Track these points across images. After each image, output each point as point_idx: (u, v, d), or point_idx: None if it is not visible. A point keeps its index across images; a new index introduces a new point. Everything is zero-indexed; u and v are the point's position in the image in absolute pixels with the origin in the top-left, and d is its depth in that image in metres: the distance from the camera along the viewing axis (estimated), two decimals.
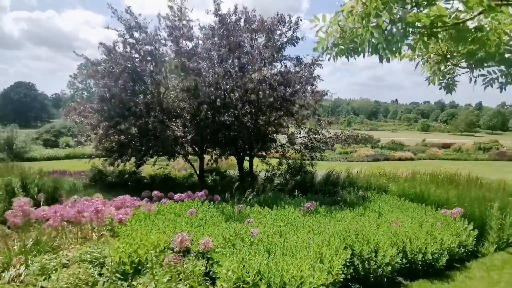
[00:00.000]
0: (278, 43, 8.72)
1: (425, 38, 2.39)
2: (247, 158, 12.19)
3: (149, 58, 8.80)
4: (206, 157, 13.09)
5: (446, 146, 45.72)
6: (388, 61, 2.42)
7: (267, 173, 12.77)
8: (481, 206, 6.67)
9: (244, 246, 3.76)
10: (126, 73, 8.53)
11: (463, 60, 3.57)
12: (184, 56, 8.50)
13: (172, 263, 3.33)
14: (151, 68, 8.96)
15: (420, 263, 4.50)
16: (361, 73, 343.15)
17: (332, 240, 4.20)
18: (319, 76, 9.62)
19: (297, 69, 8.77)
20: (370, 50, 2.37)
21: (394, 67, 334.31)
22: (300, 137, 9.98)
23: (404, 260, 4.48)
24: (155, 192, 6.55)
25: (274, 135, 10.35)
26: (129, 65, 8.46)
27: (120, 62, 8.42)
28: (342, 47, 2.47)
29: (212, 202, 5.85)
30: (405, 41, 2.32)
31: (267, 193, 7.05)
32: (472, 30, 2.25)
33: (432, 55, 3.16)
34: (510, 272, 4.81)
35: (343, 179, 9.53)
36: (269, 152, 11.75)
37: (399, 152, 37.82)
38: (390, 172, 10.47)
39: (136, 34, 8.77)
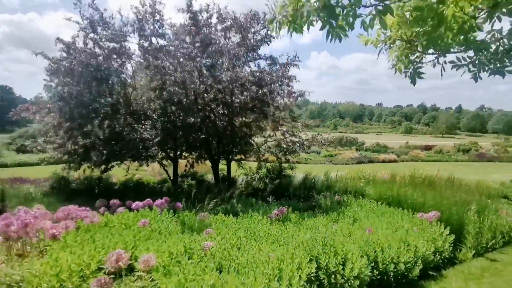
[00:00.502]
0: (252, 41, 8.33)
1: (382, 15, 2.02)
2: (225, 162, 11.71)
3: (114, 56, 8.21)
4: (182, 162, 12.54)
5: (428, 148, 46.62)
6: (340, 39, 2.03)
7: (246, 177, 12.34)
8: (459, 209, 6.43)
9: (191, 262, 3.27)
10: (87, 71, 7.91)
11: (429, 49, 3.24)
12: (152, 54, 7.98)
13: None
14: (117, 67, 8.37)
15: (392, 274, 4.12)
16: (347, 77, 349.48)
17: (296, 252, 3.76)
18: (295, 76, 9.29)
19: (272, 69, 8.40)
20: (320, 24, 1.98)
21: (378, 71, 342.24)
22: (276, 140, 9.59)
23: (375, 271, 4.10)
24: (113, 201, 5.95)
25: (251, 138, 9.91)
26: (91, 63, 7.84)
27: (81, 59, 7.79)
28: (290, 18, 2.06)
29: (172, 211, 5.33)
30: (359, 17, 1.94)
31: (235, 199, 6.57)
32: (432, 3, 1.88)
33: (396, 41, 2.81)
34: (490, 281, 4.51)
35: (321, 182, 9.18)
36: (247, 155, 11.31)
37: (383, 154, 38.17)
38: (370, 175, 10.21)
39: (100, 30, 8.17)
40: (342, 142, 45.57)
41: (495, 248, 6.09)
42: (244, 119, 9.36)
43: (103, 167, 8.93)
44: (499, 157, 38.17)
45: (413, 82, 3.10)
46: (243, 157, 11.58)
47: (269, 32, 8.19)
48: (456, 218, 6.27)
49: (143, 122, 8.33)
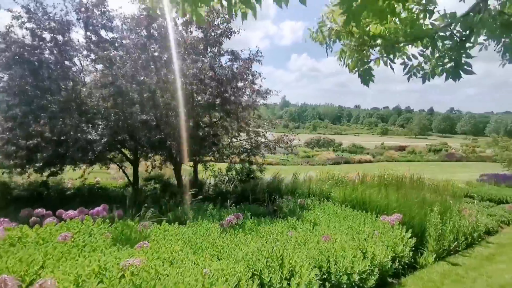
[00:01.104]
0: (213, 34, 7.82)
1: None
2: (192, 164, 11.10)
3: (57, 48, 7.41)
4: (145, 163, 11.78)
5: (402, 148, 48.04)
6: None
7: (215, 179, 11.79)
8: (421, 210, 6.25)
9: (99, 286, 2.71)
10: (27, 64, 7.08)
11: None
12: (100, 47, 7.26)
13: None
14: (61, 60, 7.56)
15: (345, 286, 3.75)
16: (326, 79, 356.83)
17: (236, 267, 3.29)
18: (260, 73, 8.87)
19: (233, 64, 7.92)
20: None
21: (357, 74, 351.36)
22: (240, 141, 9.11)
23: (327, 284, 3.72)
24: (37, 210, 5.20)
25: (217, 139, 9.36)
26: (30, 54, 7.01)
27: (19, 51, 6.95)
28: None
29: (109, 220, 4.70)
30: None
31: (186, 205, 6.01)
32: None
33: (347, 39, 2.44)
34: None
35: (289, 184, 8.80)
36: (215, 157, 10.75)
37: (359, 155, 38.86)
38: (339, 176, 9.98)
39: (38, 18, 7.33)
40: (319, 143, 46.00)
41: (457, 251, 5.94)
42: (209, 118, 8.82)
43: (49, 170, 8.08)
44: (467, 156, 39.95)
45: (365, 83, 2.73)
46: (212, 158, 11.03)
47: (229, 25, 7.74)
48: (418, 220, 6.07)
49: (94, 121, 7.58)
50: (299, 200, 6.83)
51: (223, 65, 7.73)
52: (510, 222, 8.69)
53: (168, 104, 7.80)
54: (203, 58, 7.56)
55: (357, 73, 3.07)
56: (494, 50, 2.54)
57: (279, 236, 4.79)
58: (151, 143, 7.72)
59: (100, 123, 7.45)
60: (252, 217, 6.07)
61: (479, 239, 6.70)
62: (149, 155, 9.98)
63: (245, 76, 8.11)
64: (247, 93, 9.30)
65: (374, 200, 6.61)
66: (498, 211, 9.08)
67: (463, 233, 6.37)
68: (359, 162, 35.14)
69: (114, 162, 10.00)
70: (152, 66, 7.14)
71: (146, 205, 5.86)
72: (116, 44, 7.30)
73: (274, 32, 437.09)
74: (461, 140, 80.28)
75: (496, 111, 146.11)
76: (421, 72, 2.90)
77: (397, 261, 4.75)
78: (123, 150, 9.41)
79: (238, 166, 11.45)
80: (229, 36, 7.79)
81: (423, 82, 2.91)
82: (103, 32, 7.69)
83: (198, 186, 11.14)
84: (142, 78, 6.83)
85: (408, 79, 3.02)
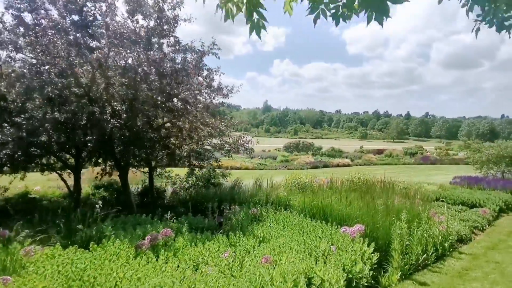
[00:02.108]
0: (158, 21, 6.83)
1: None
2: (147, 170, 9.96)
3: None
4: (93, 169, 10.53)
5: (380, 152, 48.65)
6: None
7: (173, 186, 10.71)
8: (387, 219, 5.51)
9: None
10: None
11: None
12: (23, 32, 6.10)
13: None
14: None
15: None
16: (308, 84, 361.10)
17: None
18: (218, 68, 7.97)
19: (177, 56, 6.94)
20: None
21: (337, 80, 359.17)
22: (191, 143, 8.12)
23: None
24: None
25: (168, 141, 8.29)
26: None
27: None
28: None
29: None
30: None
31: (108, 219, 4.90)
32: None
33: None
34: None
35: (247, 192, 7.88)
36: (170, 162, 9.67)
37: (338, 159, 38.74)
38: (307, 181, 9.18)
39: None
40: (299, 147, 45.63)
41: (426, 265, 5.22)
42: (156, 118, 7.75)
43: None
44: (441, 159, 40.81)
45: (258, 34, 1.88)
46: (176, 164, 9.95)
47: (175, 12, 6.80)
48: (383, 231, 5.32)
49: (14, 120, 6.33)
50: (252, 209, 5.91)
51: (164, 55, 6.72)
52: (484, 228, 8.19)
53: (101, 101, 6.71)
54: (145, 50, 6.54)
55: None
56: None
57: (210, 258, 3.83)
58: (84, 145, 6.58)
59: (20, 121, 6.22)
60: (192, 231, 5.09)
61: (451, 249, 6.04)
62: (93, 160, 8.78)
63: (195, 70, 7.16)
64: (205, 91, 8.37)
65: (336, 208, 5.80)
66: (471, 216, 8.57)
67: (433, 243, 5.69)
68: (338, 166, 34.94)
69: (51, 169, 8.70)
70: (75, 53, 6.05)
71: (59, 221, 4.73)
72: (38, 29, 6.14)
73: (256, 38, 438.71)
74: (435, 143, 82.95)
75: (468, 115, 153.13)
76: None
77: (354, 284, 3.92)
78: (66, 154, 8.18)
79: (198, 171, 10.46)
80: (175, 24, 6.83)
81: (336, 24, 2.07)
82: (28, 16, 6.51)
83: (154, 194, 10.02)
84: (68, 69, 5.72)
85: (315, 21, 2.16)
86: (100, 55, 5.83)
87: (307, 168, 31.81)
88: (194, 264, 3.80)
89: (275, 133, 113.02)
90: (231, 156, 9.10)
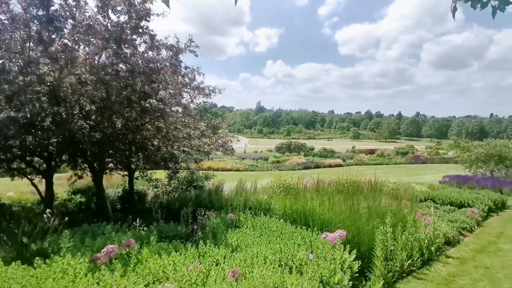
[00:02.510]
0: (129, 15, 6.42)
1: None
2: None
3: None
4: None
5: (371, 152, 48.79)
6: None
7: (154, 190, 10.28)
8: (371, 223, 5.21)
9: None
10: None
11: None
12: None
13: None
14: None
15: None
16: (301, 85, 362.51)
17: None
18: (198, 68, 7.59)
19: (148, 53, 6.53)
20: None
21: (330, 80, 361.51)
22: (168, 145, 7.70)
23: None
24: None
25: (146, 143, 7.86)
26: None
27: None
28: None
29: None
30: None
31: (63, 230, 4.45)
32: None
33: None
34: None
35: (230, 195, 7.51)
36: (149, 164, 9.24)
37: (329, 159, 38.61)
38: (291, 183, 8.85)
39: None
40: (291, 148, 45.43)
41: (411, 271, 4.94)
42: (139, 119, 7.33)
43: None
44: (431, 158, 41.10)
45: None
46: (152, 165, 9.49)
47: (147, 6, 6.41)
48: (367, 236, 5.02)
49: None
50: (229, 215, 5.54)
51: (139, 54, 6.31)
52: (473, 228, 7.99)
53: (77, 101, 6.26)
54: (116, 46, 6.11)
55: None
56: None
57: (173, 272, 3.46)
58: (46, 148, 6.12)
59: None
60: (162, 240, 4.71)
61: (438, 253, 5.78)
62: (65, 163, 8.29)
63: (171, 68, 6.76)
64: (186, 90, 7.99)
65: (318, 212, 5.48)
66: (460, 217, 8.37)
67: (419, 247, 5.42)
68: (330, 166, 34.85)
69: (22, 174, 8.18)
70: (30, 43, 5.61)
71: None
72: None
73: (249, 39, 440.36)
74: (426, 143, 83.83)
75: (458, 115, 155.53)
76: None
77: None
78: (38, 157, 7.67)
79: (181, 173, 10.06)
80: (148, 18, 6.43)
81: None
82: None
83: (134, 198, 9.58)
84: (29, 66, 5.27)
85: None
86: (60, 48, 5.39)
87: (299, 169, 31.61)
88: (155, 279, 3.42)
89: (268, 134, 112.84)
90: (211, 158, 8.72)
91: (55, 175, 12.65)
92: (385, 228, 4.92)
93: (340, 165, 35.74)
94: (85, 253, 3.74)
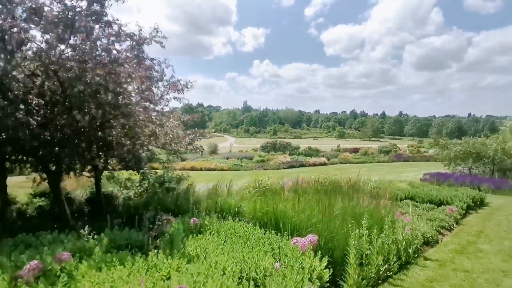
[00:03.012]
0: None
1: None
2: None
3: None
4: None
5: (355, 150, 49.26)
6: None
7: (122, 192, 9.61)
8: (344, 226, 4.83)
9: None
10: None
11: None
12: None
13: None
14: None
15: None
16: (288, 85, 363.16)
17: None
18: (166, 60, 7.04)
19: (105, 41, 5.91)
20: None
21: (316, 80, 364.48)
22: (129, 143, 7.08)
23: None
24: None
25: (110, 140, 7.20)
26: None
27: None
28: None
29: None
30: None
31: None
32: None
33: None
34: None
35: (199, 197, 6.99)
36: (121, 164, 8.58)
37: (314, 158, 38.58)
38: (268, 183, 8.41)
39: None
40: (276, 147, 45.17)
41: (388, 277, 4.59)
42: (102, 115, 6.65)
43: None
44: (413, 156, 41.87)
45: None
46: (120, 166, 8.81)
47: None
48: (341, 240, 4.63)
49: None
50: (192, 219, 5.03)
51: (95, 40, 5.69)
52: (452, 227, 7.81)
53: (25, 94, 5.56)
54: (69, 34, 5.46)
55: None
56: None
57: None
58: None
59: None
60: (113, 249, 4.14)
61: (416, 255, 5.49)
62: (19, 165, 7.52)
63: (136, 59, 6.17)
64: (156, 85, 7.42)
65: (289, 215, 5.06)
66: (438, 215, 8.19)
67: (397, 250, 5.10)
68: (314, 165, 34.80)
69: None
70: None
71: None
72: None
73: (236, 38, 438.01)
74: (409, 141, 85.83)
75: (438, 115, 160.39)
76: None
77: None
78: None
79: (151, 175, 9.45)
80: (104, 3, 5.80)
81: None
82: None
83: (101, 201, 8.88)
84: None
85: None
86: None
87: (284, 168, 31.33)
88: None
89: (254, 134, 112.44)
90: (180, 157, 8.16)
91: (18, 178, 11.73)
92: (361, 230, 4.55)
93: (324, 164, 35.78)
94: (7, 270, 3.14)
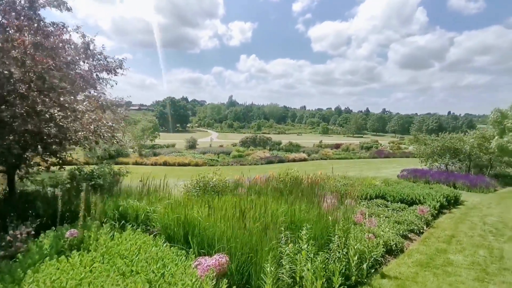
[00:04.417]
0: None
1: None
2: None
3: None
4: None
5: (337, 146, 48.90)
6: None
7: (44, 189, 8.11)
8: (271, 240, 3.64)
9: None
10: None
11: None
12: None
13: None
14: None
15: None
16: (274, 81, 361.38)
17: None
18: (78, 29, 5.61)
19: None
20: None
21: (303, 77, 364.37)
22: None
23: None
24: None
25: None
26: None
27: None
28: None
29: None
30: None
31: None
32: None
33: None
34: None
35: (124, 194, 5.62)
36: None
37: (294, 153, 37.71)
38: (213, 181, 7.14)
39: None
40: (256, 142, 43.98)
41: None
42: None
43: None
44: (393, 153, 41.75)
45: None
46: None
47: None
48: (270, 259, 3.43)
49: None
50: (70, 231, 3.69)
51: None
52: (421, 230, 6.84)
53: None
54: None
55: None
56: None
57: None
58: None
59: None
60: None
61: (373, 270, 4.40)
62: None
63: (21, 22, 4.71)
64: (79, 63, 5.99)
65: (205, 225, 3.80)
66: (408, 216, 7.23)
67: (346, 267, 3.97)
68: (294, 160, 33.92)
69: None
70: None
71: None
72: None
73: (223, 32, 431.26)
74: (391, 138, 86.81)
75: (420, 112, 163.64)
76: None
77: None
78: None
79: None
80: None
81: None
82: None
83: (16, 200, 7.36)
84: None
85: None
86: None
87: (261, 164, 30.27)
88: None
89: (238, 129, 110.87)
90: (89, 148, 6.74)
91: None
92: (299, 245, 3.38)
93: (304, 160, 35.01)
94: None
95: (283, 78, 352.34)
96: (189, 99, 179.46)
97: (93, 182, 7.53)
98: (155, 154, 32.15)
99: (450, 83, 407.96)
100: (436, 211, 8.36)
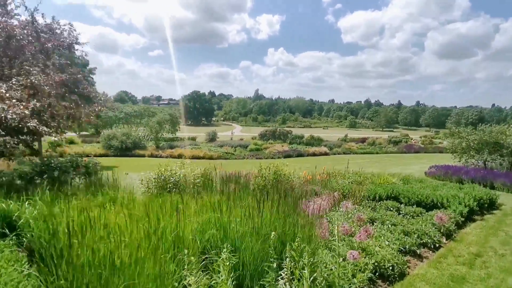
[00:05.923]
0: None
1: None
2: None
3: None
4: None
5: (362, 140, 46.10)
6: None
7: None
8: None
9: None
10: None
11: None
12: None
13: None
14: None
15: None
16: (302, 74, 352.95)
17: None
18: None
19: None
20: None
21: (332, 69, 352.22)
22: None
23: None
24: None
25: None
26: None
27: None
28: None
29: None
30: None
31: None
32: None
33: None
34: None
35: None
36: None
37: (315, 147, 35.84)
38: (177, 175, 6.08)
39: None
40: (275, 135, 42.55)
41: None
42: None
43: None
44: (425, 148, 38.31)
45: None
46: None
47: None
48: None
49: None
50: None
51: None
52: (437, 245, 5.27)
53: None
54: None
55: None
56: None
57: None
58: None
59: None
60: None
61: None
62: None
63: None
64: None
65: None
66: (421, 226, 5.66)
67: None
68: (314, 154, 32.25)
69: None
70: None
71: None
72: None
73: (251, 26, 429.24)
74: (424, 132, 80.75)
75: (460, 105, 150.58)
76: None
77: None
78: None
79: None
80: None
81: None
82: None
83: None
84: None
85: None
86: None
87: (279, 157, 28.94)
88: None
89: (263, 122, 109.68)
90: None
91: None
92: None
93: (325, 154, 33.13)
94: None
95: (312, 71, 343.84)
96: (217, 93, 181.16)
97: (45, 175, 6.79)
98: (171, 147, 32.03)
99: (495, 73, 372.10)
100: (463, 218, 6.64)
